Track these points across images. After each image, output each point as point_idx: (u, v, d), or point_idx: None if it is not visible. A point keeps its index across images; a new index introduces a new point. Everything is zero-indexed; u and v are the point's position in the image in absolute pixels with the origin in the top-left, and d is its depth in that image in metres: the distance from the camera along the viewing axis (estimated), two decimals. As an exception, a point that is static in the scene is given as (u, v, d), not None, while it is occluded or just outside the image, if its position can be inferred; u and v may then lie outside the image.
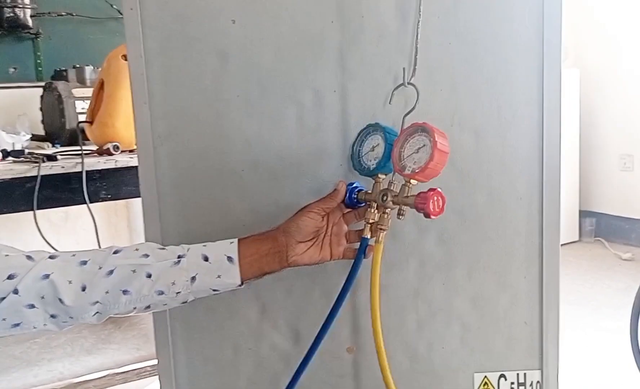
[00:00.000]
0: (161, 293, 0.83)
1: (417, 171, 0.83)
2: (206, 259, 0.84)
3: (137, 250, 0.85)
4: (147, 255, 0.84)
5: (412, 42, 0.95)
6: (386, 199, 0.87)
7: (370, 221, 0.89)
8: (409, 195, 0.85)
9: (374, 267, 0.89)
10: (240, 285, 0.85)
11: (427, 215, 0.82)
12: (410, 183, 0.85)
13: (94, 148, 1.95)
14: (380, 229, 0.88)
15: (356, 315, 1.01)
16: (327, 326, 0.92)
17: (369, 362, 1.01)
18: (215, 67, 0.94)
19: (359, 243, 0.91)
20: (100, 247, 2.15)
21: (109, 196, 1.84)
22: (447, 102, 0.99)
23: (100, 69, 2.11)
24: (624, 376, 2.20)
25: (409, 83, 0.94)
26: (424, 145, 0.83)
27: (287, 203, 0.95)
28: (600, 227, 4.04)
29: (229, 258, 0.84)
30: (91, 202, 1.81)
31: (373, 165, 0.90)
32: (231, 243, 0.86)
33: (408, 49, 0.95)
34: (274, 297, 1.00)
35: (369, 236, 0.90)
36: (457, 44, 0.97)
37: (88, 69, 2.63)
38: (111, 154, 1.85)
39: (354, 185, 0.92)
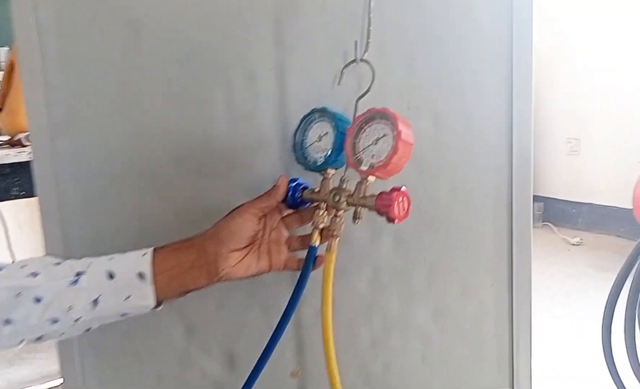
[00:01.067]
0: (55, 321, 0.66)
1: (377, 166, 0.69)
2: (111, 276, 0.68)
3: (24, 266, 0.68)
4: (35, 274, 0.67)
5: (362, 11, 0.80)
6: (339, 199, 0.72)
7: (320, 225, 0.74)
8: (366, 195, 0.71)
9: (325, 280, 0.74)
10: (156, 307, 0.69)
11: (390, 220, 0.68)
12: (367, 180, 0.71)
13: (5, 138, 1.74)
14: (332, 235, 0.74)
15: (301, 333, 0.87)
16: (270, 349, 0.76)
17: (317, 386, 0.89)
18: (126, 41, 0.78)
19: (302, 252, 0.76)
20: (11, 249, 1.93)
21: (23, 193, 1.63)
22: (402, 83, 0.85)
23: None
24: (580, 361, 2.18)
25: (362, 59, 0.79)
26: (384, 135, 0.69)
27: (216, 204, 0.80)
28: (548, 212, 4.04)
29: (140, 275, 0.68)
30: (2, 200, 1.60)
31: (321, 158, 0.75)
32: (143, 254, 0.69)
33: (357, 20, 0.81)
34: (203, 315, 0.85)
35: (317, 244, 0.75)
36: (412, 16, 0.84)
37: (2, 50, 2.39)
38: (24, 145, 1.64)
39: (297, 182, 0.77)
